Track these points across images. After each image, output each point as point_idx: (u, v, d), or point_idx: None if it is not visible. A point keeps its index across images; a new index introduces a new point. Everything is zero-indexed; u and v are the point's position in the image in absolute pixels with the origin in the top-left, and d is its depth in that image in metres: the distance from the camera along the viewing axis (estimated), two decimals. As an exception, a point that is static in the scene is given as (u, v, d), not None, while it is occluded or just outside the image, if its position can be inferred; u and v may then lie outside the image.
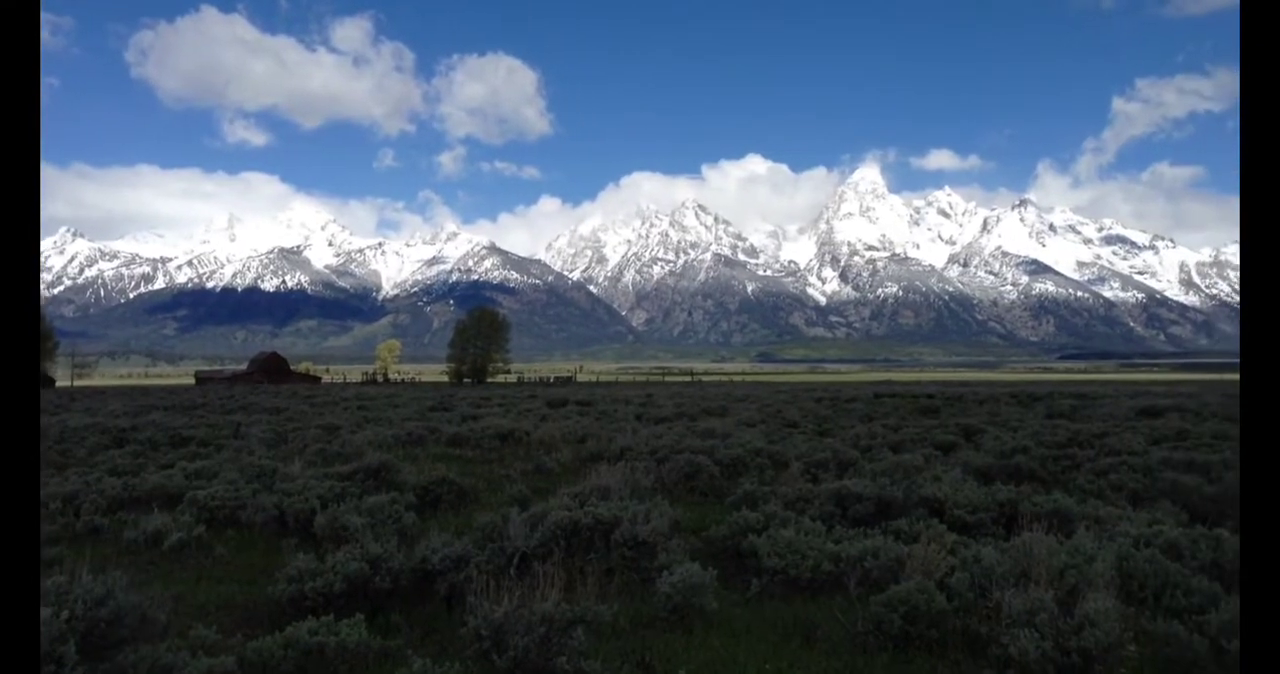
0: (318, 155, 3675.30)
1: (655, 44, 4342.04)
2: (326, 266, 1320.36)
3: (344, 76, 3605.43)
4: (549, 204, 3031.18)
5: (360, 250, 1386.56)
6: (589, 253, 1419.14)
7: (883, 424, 25.59)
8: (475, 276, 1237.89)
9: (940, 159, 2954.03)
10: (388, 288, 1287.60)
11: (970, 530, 10.21)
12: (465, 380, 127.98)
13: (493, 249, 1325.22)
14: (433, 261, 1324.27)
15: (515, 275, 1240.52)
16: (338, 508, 10.72)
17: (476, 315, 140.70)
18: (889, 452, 17.73)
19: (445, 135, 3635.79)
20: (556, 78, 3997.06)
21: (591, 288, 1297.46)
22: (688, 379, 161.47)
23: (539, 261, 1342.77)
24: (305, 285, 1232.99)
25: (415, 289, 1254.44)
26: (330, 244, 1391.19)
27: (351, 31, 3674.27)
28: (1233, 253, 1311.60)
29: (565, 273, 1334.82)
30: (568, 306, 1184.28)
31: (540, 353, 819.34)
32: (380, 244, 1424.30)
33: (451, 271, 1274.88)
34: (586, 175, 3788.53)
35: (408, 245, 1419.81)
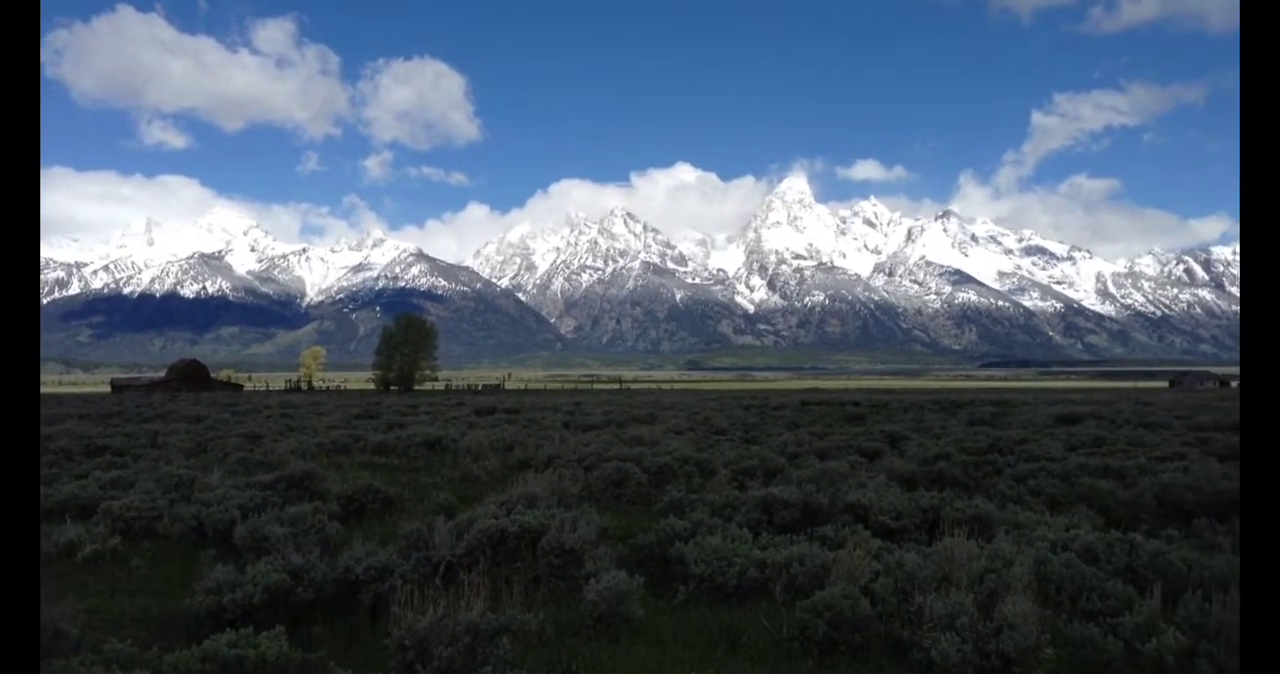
0: (239, 159, 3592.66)
1: (584, 51, 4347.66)
2: (249, 272, 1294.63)
3: (266, 79, 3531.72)
4: (477, 211, 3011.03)
5: (284, 256, 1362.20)
6: (517, 260, 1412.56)
7: (809, 431, 25.84)
8: (402, 283, 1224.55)
9: (866, 169, 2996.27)
10: (312, 294, 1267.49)
11: (894, 536, 10.35)
12: (392, 388, 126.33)
13: (420, 256, 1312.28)
14: (359, 268, 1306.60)
15: (443, 282, 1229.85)
16: (258, 518, 10.52)
17: (404, 322, 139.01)
18: (815, 459, 17.92)
19: (371, 140, 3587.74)
20: (484, 83, 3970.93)
21: (520, 295, 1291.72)
22: (616, 387, 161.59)
23: (467, 269, 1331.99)
24: (226, 291, 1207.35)
25: (340, 296, 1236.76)
26: (253, 249, 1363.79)
27: (274, 33, 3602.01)
28: (1145, 264, 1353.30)
29: (493, 280, 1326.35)
30: (496, 314, 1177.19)
31: (468, 360, 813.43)
32: (304, 250, 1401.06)
33: (378, 278, 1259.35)
34: (515, 182, 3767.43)
35: (333, 251, 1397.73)
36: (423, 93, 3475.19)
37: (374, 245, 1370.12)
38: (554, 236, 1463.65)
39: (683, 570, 8.76)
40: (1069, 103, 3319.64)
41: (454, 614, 6.54)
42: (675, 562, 9.06)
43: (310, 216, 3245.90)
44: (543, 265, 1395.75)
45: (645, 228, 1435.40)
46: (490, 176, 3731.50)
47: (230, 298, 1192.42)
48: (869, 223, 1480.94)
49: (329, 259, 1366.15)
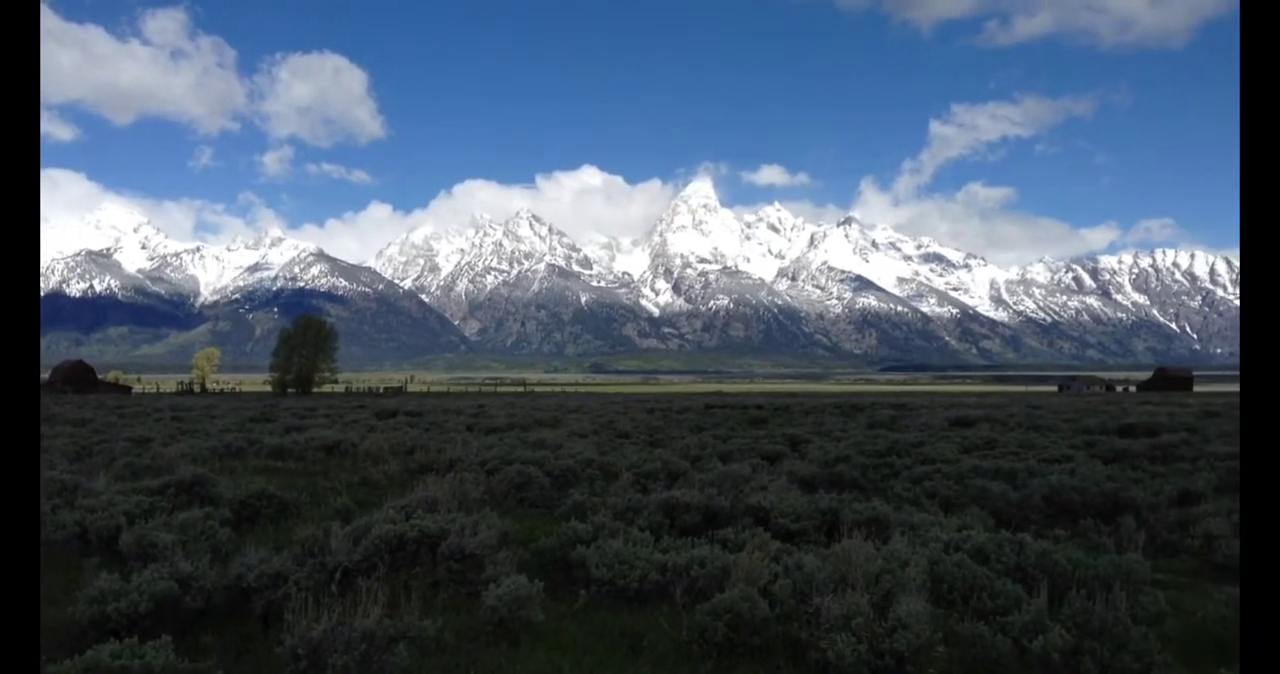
0: (130, 153, 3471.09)
1: (489, 51, 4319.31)
2: (139, 271, 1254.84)
3: (159, 71, 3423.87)
4: (379, 210, 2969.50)
5: (176, 254, 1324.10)
6: (421, 261, 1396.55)
7: (712, 435, 26.01)
8: (301, 284, 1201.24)
9: (771, 174, 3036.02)
10: (206, 294, 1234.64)
11: (794, 538, 10.46)
12: (290, 391, 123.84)
13: (320, 256, 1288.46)
14: (255, 268, 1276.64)
15: (344, 283, 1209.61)
16: (146, 524, 10.16)
17: (302, 323, 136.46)
18: (718, 462, 18.01)
19: (269, 135, 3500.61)
20: (387, 79, 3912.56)
21: (423, 297, 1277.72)
22: (520, 390, 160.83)
23: (369, 269, 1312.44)
24: (115, 290, 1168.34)
25: (236, 296, 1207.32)
26: (143, 247, 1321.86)
27: (166, 23, 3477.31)
28: (1037, 271, 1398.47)
29: (396, 281, 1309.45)
30: (398, 315, 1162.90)
31: (370, 362, 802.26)
32: (198, 248, 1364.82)
33: (276, 278, 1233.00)
34: (419, 182, 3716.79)
35: (229, 250, 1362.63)
36: (323, 88, 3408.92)
37: (272, 244, 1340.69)
38: (458, 238, 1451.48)
39: (584, 574, 8.72)
40: (966, 113, 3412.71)
41: (349, 621, 6.42)
42: (577, 565, 9.02)
43: (205, 214, 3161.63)
44: (447, 267, 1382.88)
45: (551, 230, 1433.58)
46: (393, 175, 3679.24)
47: (119, 297, 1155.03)
48: (773, 228, 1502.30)
49: (224, 258, 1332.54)
